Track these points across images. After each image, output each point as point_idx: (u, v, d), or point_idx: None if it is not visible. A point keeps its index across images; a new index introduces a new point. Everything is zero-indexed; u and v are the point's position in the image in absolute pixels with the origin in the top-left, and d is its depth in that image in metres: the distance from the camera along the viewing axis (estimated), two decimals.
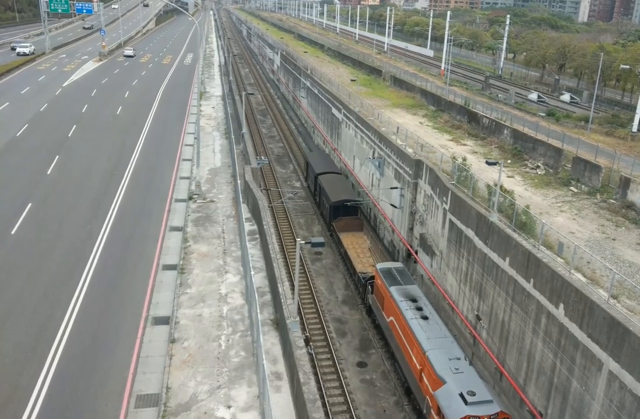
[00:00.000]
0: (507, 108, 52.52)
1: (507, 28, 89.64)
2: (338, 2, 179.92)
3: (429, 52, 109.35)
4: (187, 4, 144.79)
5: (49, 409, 18.76)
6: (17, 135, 48.32)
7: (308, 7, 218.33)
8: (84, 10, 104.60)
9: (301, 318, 29.26)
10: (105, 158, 43.89)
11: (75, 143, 47.20)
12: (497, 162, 26.52)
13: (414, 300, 26.94)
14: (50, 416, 18.54)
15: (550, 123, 44.74)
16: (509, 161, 36.74)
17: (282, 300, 23.43)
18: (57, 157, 43.14)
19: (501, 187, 26.62)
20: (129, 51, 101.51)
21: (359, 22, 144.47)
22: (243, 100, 50.52)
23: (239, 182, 36.40)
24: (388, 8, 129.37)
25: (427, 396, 22.61)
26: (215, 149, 49.44)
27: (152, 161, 43.95)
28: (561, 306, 20.05)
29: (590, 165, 31.70)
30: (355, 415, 24.51)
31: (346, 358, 28.40)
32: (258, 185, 38.59)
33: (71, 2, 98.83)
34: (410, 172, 33.98)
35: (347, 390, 25.87)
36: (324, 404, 23.77)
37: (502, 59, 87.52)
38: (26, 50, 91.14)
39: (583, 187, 31.55)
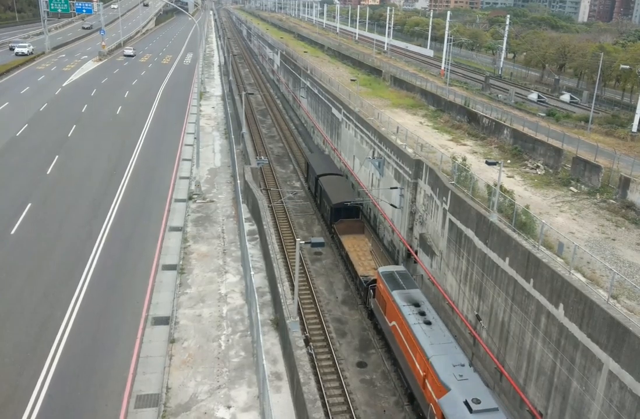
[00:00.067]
0: (507, 108, 52.52)
1: (507, 28, 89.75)
2: (338, 2, 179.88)
3: (429, 52, 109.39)
4: (187, 4, 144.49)
5: (48, 409, 18.75)
6: (17, 135, 48.30)
7: (308, 7, 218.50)
8: (84, 10, 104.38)
9: (301, 318, 29.23)
10: (105, 158, 43.87)
11: (75, 143, 47.17)
12: (497, 162, 26.51)
13: (416, 305, 26.59)
14: (50, 416, 18.54)
15: (550, 123, 44.71)
16: (509, 161, 36.74)
17: (282, 300, 23.43)
18: (57, 156, 43.12)
19: (501, 187, 26.62)
20: (129, 51, 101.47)
21: (359, 22, 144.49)
22: (243, 100, 50.53)
23: (238, 182, 36.38)
24: (388, 8, 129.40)
25: (431, 404, 22.31)
26: (215, 149, 49.42)
27: (152, 161, 43.93)
28: (561, 306, 20.05)
29: (590, 165, 31.70)
30: (355, 415, 24.49)
31: (346, 358, 28.38)
32: (258, 185, 38.58)
33: (71, 2, 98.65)
34: (410, 172, 33.97)
35: (347, 390, 25.85)
36: (324, 405, 23.75)
37: (502, 59, 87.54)
38: (24, 50, 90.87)
39: (583, 187, 31.55)
